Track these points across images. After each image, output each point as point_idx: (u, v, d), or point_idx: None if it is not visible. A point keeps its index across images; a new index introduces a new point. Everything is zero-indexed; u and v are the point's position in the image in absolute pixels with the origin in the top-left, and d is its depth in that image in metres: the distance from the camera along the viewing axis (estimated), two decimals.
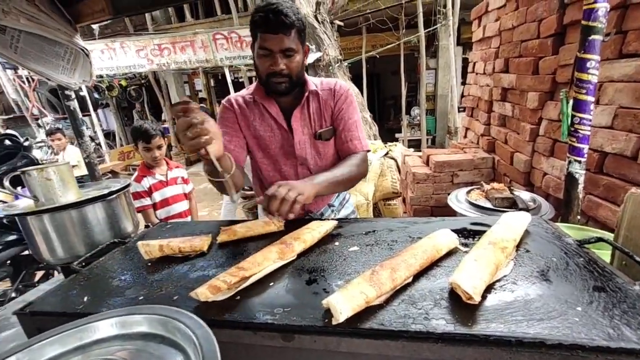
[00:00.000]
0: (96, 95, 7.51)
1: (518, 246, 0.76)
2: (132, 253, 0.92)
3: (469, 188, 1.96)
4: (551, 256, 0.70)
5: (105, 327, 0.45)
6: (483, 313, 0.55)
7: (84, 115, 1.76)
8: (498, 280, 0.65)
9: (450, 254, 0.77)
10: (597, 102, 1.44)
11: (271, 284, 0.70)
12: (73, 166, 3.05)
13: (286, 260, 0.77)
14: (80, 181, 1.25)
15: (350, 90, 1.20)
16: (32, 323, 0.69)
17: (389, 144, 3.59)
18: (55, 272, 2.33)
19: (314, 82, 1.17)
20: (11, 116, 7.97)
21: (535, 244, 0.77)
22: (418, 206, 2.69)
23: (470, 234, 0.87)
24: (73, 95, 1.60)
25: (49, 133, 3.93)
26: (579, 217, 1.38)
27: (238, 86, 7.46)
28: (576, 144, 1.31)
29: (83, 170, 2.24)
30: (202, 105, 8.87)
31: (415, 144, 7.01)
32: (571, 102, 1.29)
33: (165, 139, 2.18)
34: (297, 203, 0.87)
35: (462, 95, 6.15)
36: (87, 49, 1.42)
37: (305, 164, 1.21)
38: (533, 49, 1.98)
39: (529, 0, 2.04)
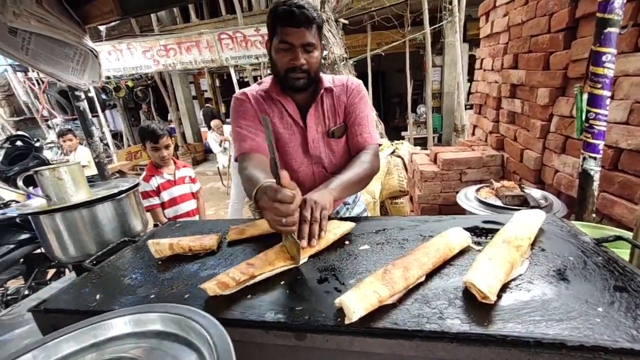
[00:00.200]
0: (104, 97, 7.62)
1: (533, 245, 0.75)
2: (142, 252, 0.92)
3: (478, 186, 1.94)
4: (568, 255, 0.69)
5: (119, 324, 0.45)
6: (499, 313, 0.54)
7: (92, 116, 1.78)
8: (513, 280, 0.63)
9: (462, 252, 0.76)
10: (611, 97, 1.41)
11: (282, 282, 0.69)
12: (83, 166, 3.09)
13: (300, 263, 0.76)
14: (91, 181, 1.26)
15: (361, 86, 1.19)
16: (46, 320, 0.70)
17: (396, 142, 3.57)
18: (67, 271, 2.37)
19: (327, 79, 1.16)
20: (22, 118, 8.14)
21: (551, 242, 0.76)
22: (426, 204, 2.67)
23: (482, 233, 0.86)
24: (83, 96, 1.62)
25: (61, 134, 4.00)
26: (593, 215, 1.35)
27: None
28: (591, 140, 1.28)
29: (93, 170, 2.27)
30: (207, 105, 8.94)
31: (421, 142, 6.96)
32: (586, 97, 1.26)
33: (173, 138, 2.19)
34: (324, 220, 0.84)
35: (469, 93, 6.10)
36: (95, 50, 1.43)
37: (320, 163, 1.19)
38: (543, 44, 1.94)
39: None
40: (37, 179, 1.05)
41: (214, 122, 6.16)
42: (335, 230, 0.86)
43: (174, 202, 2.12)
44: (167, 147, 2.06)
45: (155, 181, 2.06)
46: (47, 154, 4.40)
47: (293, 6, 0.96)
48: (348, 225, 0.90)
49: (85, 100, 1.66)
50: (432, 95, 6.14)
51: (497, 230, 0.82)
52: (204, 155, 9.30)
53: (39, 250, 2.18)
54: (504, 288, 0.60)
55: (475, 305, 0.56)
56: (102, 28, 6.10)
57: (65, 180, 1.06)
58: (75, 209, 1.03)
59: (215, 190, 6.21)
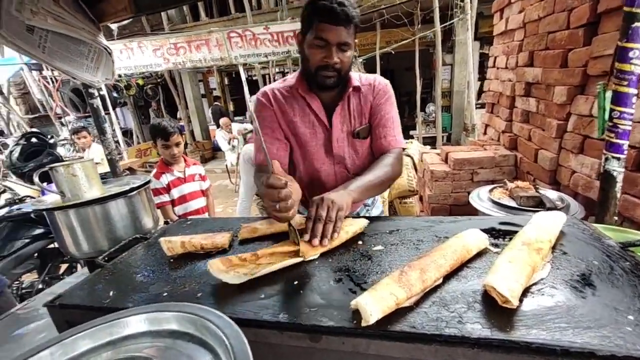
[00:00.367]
0: (115, 94, 7.73)
1: (553, 248, 0.72)
2: (154, 249, 0.92)
3: (492, 186, 1.90)
4: (592, 259, 0.66)
5: (135, 323, 0.45)
6: (521, 318, 0.52)
7: (104, 114, 1.80)
8: (534, 284, 0.61)
9: (480, 254, 0.74)
10: (637, 95, 1.35)
11: (295, 282, 0.68)
12: (97, 163, 3.15)
13: (308, 257, 0.76)
14: (103, 178, 1.28)
15: (388, 86, 1.16)
16: (61, 315, 0.71)
17: (405, 141, 3.53)
18: (79, 266, 2.42)
19: (355, 77, 1.12)
20: (36, 115, 8.32)
21: (572, 245, 0.73)
22: (436, 204, 2.63)
23: (500, 234, 0.83)
24: (96, 94, 1.64)
25: (75, 131, 4.08)
26: (615, 217, 1.30)
27: (252, 84, 7.52)
28: (614, 140, 1.23)
29: (106, 167, 2.30)
30: (216, 103, 9.01)
31: (430, 142, 6.88)
32: (610, 94, 1.21)
33: (183, 136, 2.20)
34: (339, 221, 0.82)
35: (481, 91, 6.00)
36: (109, 48, 1.45)
37: (342, 163, 1.16)
38: (561, 40, 1.89)
39: None
40: (52, 175, 1.06)
41: (222, 120, 6.20)
42: (347, 228, 0.85)
43: (183, 199, 2.13)
44: (177, 144, 2.07)
45: (166, 178, 2.08)
46: (60, 150, 4.50)
47: (334, 2, 0.92)
48: (361, 223, 0.88)
49: (98, 98, 1.68)
50: (441, 94, 6.06)
51: (515, 232, 0.80)
52: (212, 153, 9.38)
53: (52, 245, 2.22)
54: (525, 292, 0.58)
55: (496, 310, 0.55)
56: (114, 27, 6.18)
57: (79, 176, 1.07)
58: (88, 205, 1.04)
59: (223, 188, 6.26)
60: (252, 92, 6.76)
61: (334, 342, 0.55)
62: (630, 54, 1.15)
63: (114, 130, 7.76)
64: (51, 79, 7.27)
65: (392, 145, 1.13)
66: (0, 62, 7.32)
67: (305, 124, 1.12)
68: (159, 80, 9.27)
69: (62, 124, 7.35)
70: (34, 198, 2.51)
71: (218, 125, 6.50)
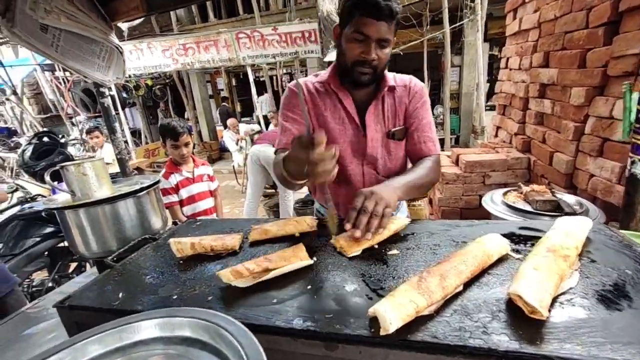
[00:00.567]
0: (124, 95, 7.83)
1: (580, 255, 0.68)
2: (163, 250, 0.91)
3: (505, 189, 1.85)
4: (624, 268, 0.62)
5: (146, 328, 0.43)
6: (552, 330, 0.49)
7: (114, 114, 1.82)
8: (563, 293, 0.58)
9: (500, 260, 0.71)
10: None
11: (309, 287, 0.66)
12: (108, 163, 3.18)
13: (350, 254, 0.75)
14: (113, 178, 1.27)
15: (424, 89, 1.13)
16: (70, 316, 0.70)
17: None
18: (88, 265, 2.43)
19: (390, 77, 1.09)
20: (48, 115, 8.49)
21: (601, 253, 0.69)
22: (447, 207, 2.59)
23: (520, 240, 0.80)
24: (107, 93, 1.65)
25: (89, 131, 4.14)
26: None
27: (259, 85, 7.54)
28: None
29: (117, 168, 2.31)
30: (224, 104, 9.06)
31: None
32: (636, 95, 1.16)
33: (192, 136, 2.20)
34: (386, 217, 0.79)
35: (490, 94, 5.90)
36: (121, 47, 1.45)
37: (373, 164, 1.13)
38: (580, 40, 1.83)
39: None
40: (63, 174, 1.06)
41: (230, 121, 6.22)
42: (389, 225, 0.83)
43: (192, 199, 2.13)
44: (186, 144, 2.07)
45: (174, 179, 2.07)
46: (71, 150, 4.56)
47: None
48: (403, 221, 0.86)
49: (109, 97, 1.68)
50: (449, 96, 5.98)
51: (536, 237, 0.77)
52: (219, 153, 9.43)
53: (62, 244, 2.24)
54: (553, 302, 0.55)
55: (523, 320, 0.52)
56: (124, 28, 6.27)
57: (90, 176, 1.06)
58: (98, 204, 1.04)
59: (230, 189, 6.27)
60: (259, 93, 6.79)
61: (351, 351, 0.52)
62: None
63: (123, 130, 7.86)
64: (63, 79, 7.40)
65: (432, 151, 1.10)
66: (14, 62, 7.50)
67: (335, 119, 1.09)
68: (167, 80, 9.37)
69: (72, 124, 7.47)
70: (45, 197, 2.54)
71: (225, 126, 6.53)
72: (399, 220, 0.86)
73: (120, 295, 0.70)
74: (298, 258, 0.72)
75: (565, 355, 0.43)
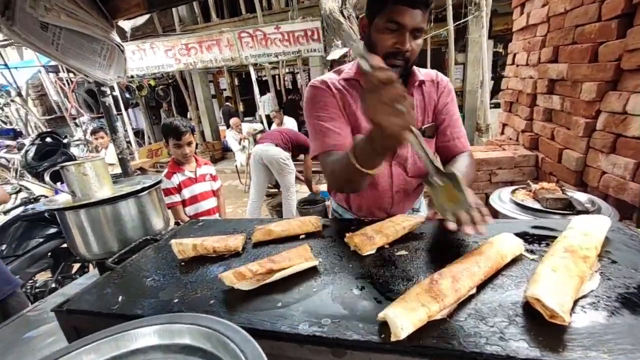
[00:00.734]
0: (127, 95, 7.85)
1: (599, 256, 0.65)
2: (165, 251, 0.89)
3: (513, 187, 1.80)
4: None
5: (144, 335, 0.41)
6: (574, 337, 0.46)
7: (117, 114, 1.80)
8: (584, 296, 0.55)
9: (514, 261, 0.68)
10: None
11: (314, 290, 0.63)
12: (112, 164, 3.17)
13: (365, 252, 0.74)
14: (115, 178, 1.26)
15: (450, 84, 1.09)
16: (68, 321, 0.68)
17: None
18: (90, 265, 2.43)
19: (418, 71, 1.04)
20: (52, 116, 8.54)
21: (622, 253, 0.66)
22: None
23: (534, 239, 0.77)
24: (109, 92, 1.63)
25: (93, 132, 4.14)
26: None
27: (262, 84, 7.53)
28: None
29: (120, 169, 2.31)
30: (227, 104, 9.06)
31: None
32: None
33: (195, 135, 2.18)
34: (481, 206, 0.73)
35: (494, 91, 5.82)
36: (122, 45, 1.43)
37: (402, 164, 1.08)
38: (591, 34, 1.78)
39: None
40: (63, 174, 1.04)
41: (233, 121, 6.21)
42: (404, 223, 0.82)
43: (194, 199, 2.11)
44: (189, 144, 2.05)
45: (177, 178, 2.06)
46: (74, 150, 4.58)
47: None
48: (417, 220, 0.85)
49: (110, 96, 1.67)
50: None
51: (550, 237, 0.74)
52: (222, 153, 9.42)
53: (65, 245, 2.24)
54: (574, 306, 0.52)
55: (542, 326, 0.49)
56: (127, 29, 6.28)
57: (90, 176, 1.04)
58: (99, 205, 1.02)
59: (233, 189, 6.26)
60: (262, 93, 6.76)
61: (360, 358, 0.50)
62: None
63: (125, 130, 7.89)
64: (67, 80, 7.44)
65: (466, 147, 1.07)
66: (19, 64, 7.55)
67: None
68: (170, 81, 9.38)
69: (76, 125, 7.51)
70: (47, 197, 2.53)
71: (228, 126, 6.51)
72: (413, 219, 0.85)
73: (120, 298, 0.68)
74: (303, 259, 0.70)
75: None
